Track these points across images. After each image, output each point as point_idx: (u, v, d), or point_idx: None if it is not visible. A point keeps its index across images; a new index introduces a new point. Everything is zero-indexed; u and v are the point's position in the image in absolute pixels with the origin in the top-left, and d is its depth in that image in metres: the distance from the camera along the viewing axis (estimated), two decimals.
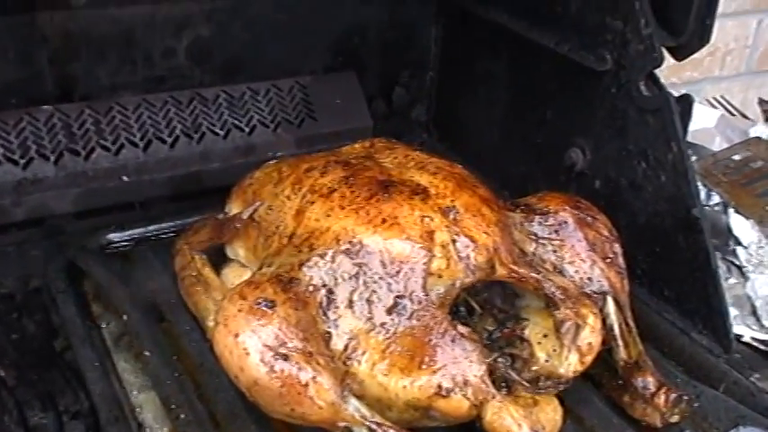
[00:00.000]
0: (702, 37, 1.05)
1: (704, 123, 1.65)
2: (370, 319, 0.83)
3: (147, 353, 0.95)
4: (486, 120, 1.44)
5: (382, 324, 0.83)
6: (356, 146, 1.06)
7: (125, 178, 1.22)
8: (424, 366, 0.80)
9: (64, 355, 1.07)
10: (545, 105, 1.28)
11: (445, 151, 1.53)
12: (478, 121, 1.47)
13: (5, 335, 1.08)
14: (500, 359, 0.88)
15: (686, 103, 1.07)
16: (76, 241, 1.16)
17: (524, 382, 0.86)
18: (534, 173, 1.33)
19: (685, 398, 0.90)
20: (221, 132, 1.30)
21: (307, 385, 0.77)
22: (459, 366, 0.80)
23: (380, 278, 0.84)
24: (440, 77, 1.55)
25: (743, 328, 1.11)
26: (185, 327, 0.99)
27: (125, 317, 1.01)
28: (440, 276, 0.85)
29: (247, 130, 1.32)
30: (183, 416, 0.86)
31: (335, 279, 0.85)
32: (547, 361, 0.89)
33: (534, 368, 0.89)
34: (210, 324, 0.94)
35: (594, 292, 0.96)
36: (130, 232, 1.18)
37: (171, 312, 1.02)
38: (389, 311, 0.83)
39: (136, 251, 1.15)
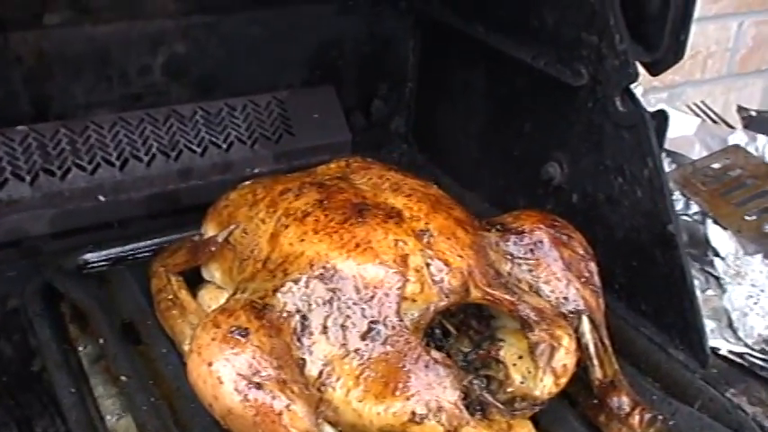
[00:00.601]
0: (677, 52, 1.05)
1: (684, 131, 1.66)
2: (344, 345, 0.83)
3: (123, 377, 0.95)
4: (465, 131, 1.44)
5: (356, 350, 0.83)
6: (332, 165, 1.06)
7: (102, 198, 1.22)
8: (397, 392, 0.80)
9: (41, 376, 1.07)
10: (523, 118, 1.28)
11: (425, 162, 1.54)
12: (457, 133, 1.47)
13: None
14: (475, 381, 0.88)
15: (662, 118, 1.07)
16: (53, 262, 1.15)
17: (499, 405, 0.86)
18: (513, 185, 1.33)
19: (660, 417, 0.90)
20: (198, 149, 1.30)
21: (281, 414, 0.78)
22: (432, 392, 0.81)
23: (354, 303, 0.84)
24: (418, 89, 1.55)
25: (720, 341, 1.12)
26: (162, 350, 0.99)
27: (101, 340, 1.01)
28: (414, 301, 0.86)
29: (225, 146, 1.32)
30: None
31: (309, 305, 0.85)
32: (522, 383, 0.89)
33: (509, 390, 0.89)
34: (186, 348, 0.94)
35: (570, 312, 0.96)
36: (107, 252, 1.17)
37: (148, 335, 1.01)
38: (364, 337, 0.83)
39: (113, 271, 1.15)
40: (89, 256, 1.16)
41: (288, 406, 0.78)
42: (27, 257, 1.17)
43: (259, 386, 0.78)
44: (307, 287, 0.85)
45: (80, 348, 1.04)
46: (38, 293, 1.09)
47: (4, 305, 1.14)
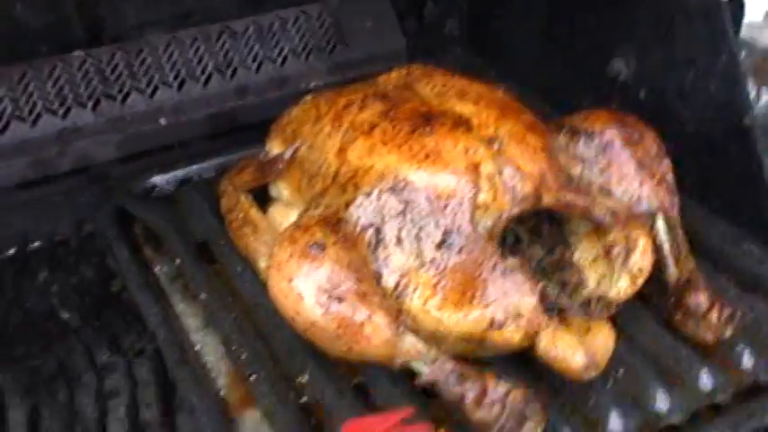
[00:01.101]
0: None
1: (752, 16, 1.58)
2: (419, 255, 0.83)
3: (203, 296, 0.97)
4: (523, 30, 1.40)
5: (432, 260, 0.83)
6: (392, 74, 1.04)
7: (162, 120, 1.22)
8: (475, 300, 0.81)
9: (121, 296, 1.11)
10: (585, 11, 1.23)
11: (482, 65, 1.50)
12: (515, 32, 1.43)
13: (65, 280, 1.12)
14: (550, 286, 0.88)
15: (737, 4, 1.02)
16: (122, 186, 1.17)
17: (575, 308, 0.87)
18: (575, 85, 1.30)
19: (738, 313, 0.89)
20: (253, 66, 1.29)
21: (362, 325, 0.79)
22: (510, 299, 0.81)
23: (427, 214, 0.84)
24: None
25: None
26: (237, 268, 1.00)
27: (178, 260, 1.03)
28: (487, 209, 0.85)
29: (279, 61, 1.31)
30: (243, 355, 0.89)
31: (382, 218, 0.85)
32: (597, 285, 0.89)
33: (585, 293, 0.89)
34: (262, 265, 0.95)
35: (644, 212, 0.95)
36: (173, 174, 1.19)
37: (221, 254, 1.03)
38: (438, 247, 0.83)
39: (180, 192, 1.16)
40: (156, 179, 1.18)
41: (369, 317, 0.79)
42: (96, 183, 1.20)
43: (340, 299, 0.79)
44: (379, 200, 0.85)
45: (157, 268, 1.06)
46: (111, 217, 1.11)
47: (80, 230, 1.17)
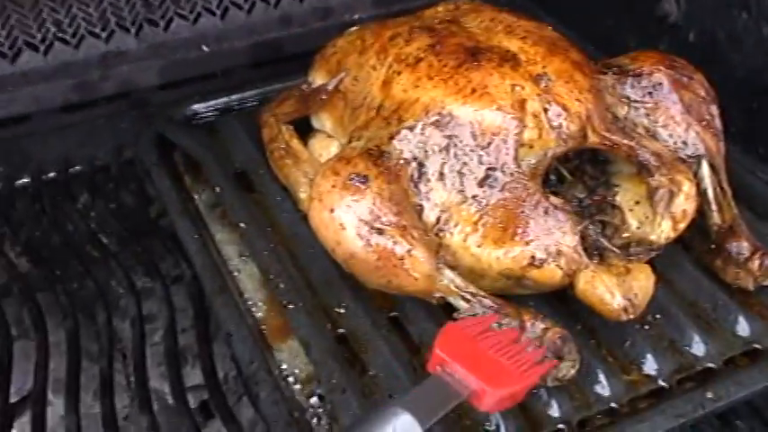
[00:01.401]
0: None
1: None
2: (461, 191, 0.83)
3: (242, 224, 0.98)
4: None
5: (474, 196, 0.83)
6: (439, 8, 1.02)
7: (205, 48, 1.22)
8: (517, 237, 0.81)
9: (159, 222, 1.12)
10: None
11: (525, 2, 1.47)
12: None
13: (105, 205, 1.14)
14: (591, 226, 0.88)
15: None
16: (163, 113, 1.17)
17: (616, 250, 0.86)
18: (623, 25, 1.27)
19: None
20: None
21: (402, 258, 0.79)
22: (551, 237, 0.81)
23: (471, 150, 0.84)
24: None
25: None
26: (276, 198, 1.01)
27: (217, 189, 1.04)
28: (531, 147, 0.84)
29: None
30: (281, 285, 0.89)
31: (426, 152, 0.85)
32: (638, 228, 0.88)
33: (625, 235, 0.89)
34: (302, 196, 0.96)
35: (689, 156, 0.93)
36: (214, 102, 1.18)
37: (261, 183, 1.04)
38: (481, 184, 0.83)
39: (221, 121, 1.16)
40: (197, 107, 1.18)
41: (409, 251, 0.79)
42: (137, 109, 1.20)
43: (381, 231, 0.79)
44: (422, 134, 0.85)
45: (196, 196, 1.07)
46: (151, 144, 1.11)
47: (120, 155, 1.18)
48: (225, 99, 1.19)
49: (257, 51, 1.25)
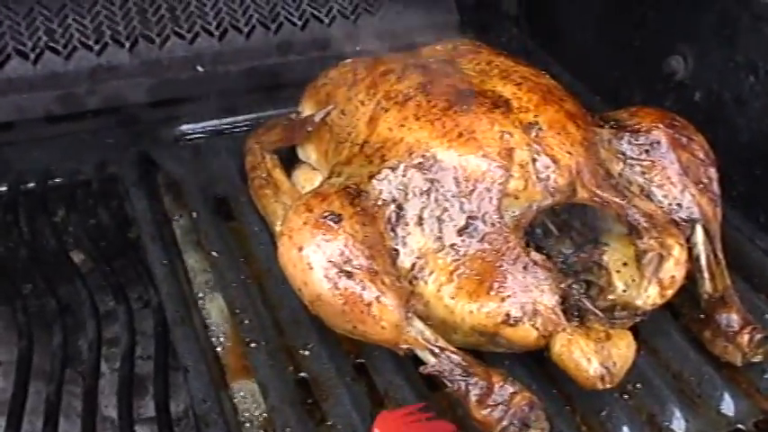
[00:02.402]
0: None
1: None
2: (439, 238, 0.80)
3: (214, 253, 0.94)
4: (581, 16, 1.34)
5: (452, 245, 0.79)
6: (438, 47, 0.99)
7: (200, 68, 1.19)
8: (492, 292, 0.77)
9: (135, 243, 1.09)
10: (646, 5, 1.18)
11: (536, 48, 1.45)
12: (573, 18, 1.37)
13: (81, 221, 1.10)
14: (575, 285, 0.84)
15: None
16: (150, 131, 1.15)
17: (598, 312, 0.82)
18: (629, 79, 1.24)
19: None
20: (299, 23, 1.25)
21: (370, 304, 0.75)
22: (529, 295, 0.77)
23: (453, 196, 0.80)
24: None
25: None
26: (254, 228, 0.98)
27: (194, 214, 1.00)
28: (516, 198, 0.80)
29: (326, 20, 1.27)
30: (246, 321, 0.86)
31: (406, 194, 0.81)
32: (624, 291, 0.84)
33: (610, 297, 0.84)
34: (278, 229, 0.92)
35: (683, 220, 0.89)
36: (204, 124, 1.16)
37: (240, 212, 1.01)
38: (460, 232, 0.79)
39: (209, 144, 1.14)
40: (186, 128, 1.16)
41: (378, 297, 0.75)
42: (125, 125, 1.18)
43: (350, 275, 0.75)
44: (404, 175, 0.81)
45: (174, 219, 1.04)
46: (134, 163, 1.09)
47: (103, 171, 1.15)
48: (215, 122, 1.17)
49: (253, 76, 1.23)
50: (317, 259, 0.76)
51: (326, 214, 0.77)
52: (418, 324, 0.77)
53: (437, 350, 0.76)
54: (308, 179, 0.97)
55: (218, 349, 0.85)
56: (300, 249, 0.77)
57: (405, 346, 0.77)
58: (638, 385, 0.82)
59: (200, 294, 0.92)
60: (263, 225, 0.98)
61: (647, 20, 1.18)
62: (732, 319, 0.85)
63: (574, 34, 1.37)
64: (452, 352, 0.76)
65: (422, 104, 0.85)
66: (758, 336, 0.84)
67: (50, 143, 1.14)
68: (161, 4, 1.18)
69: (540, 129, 0.83)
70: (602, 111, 1.04)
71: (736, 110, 1.05)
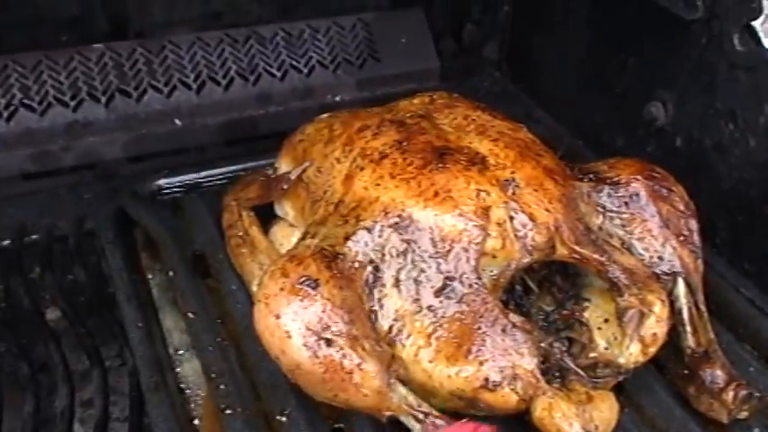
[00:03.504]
0: None
1: None
2: (416, 300, 0.78)
3: (191, 314, 0.93)
4: (563, 62, 1.34)
5: (429, 307, 0.78)
6: (415, 101, 0.99)
7: (178, 122, 1.18)
8: (471, 356, 0.75)
9: (113, 302, 1.07)
10: (627, 52, 1.18)
11: (518, 93, 1.46)
12: (554, 63, 1.37)
13: (57, 279, 1.08)
14: (556, 343, 0.82)
15: None
16: (128, 186, 1.13)
17: (580, 372, 0.80)
18: (611, 124, 1.24)
19: (757, 395, 0.83)
20: (278, 74, 1.25)
21: (351, 372, 0.74)
22: (508, 358, 0.75)
23: (430, 257, 0.79)
24: (515, 13, 1.45)
25: None
26: (232, 286, 0.96)
27: (171, 273, 0.99)
28: (494, 257, 0.79)
29: (306, 71, 1.26)
30: (222, 386, 0.84)
31: (382, 255, 0.80)
32: (606, 348, 0.83)
33: (592, 355, 0.83)
34: (255, 289, 0.91)
35: (665, 273, 0.88)
36: (181, 178, 1.15)
37: (218, 270, 0.99)
38: (438, 293, 0.78)
39: (187, 199, 1.12)
40: (163, 182, 1.14)
41: (359, 365, 0.74)
42: (102, 180, 1.16)
43: (329, 342, 0.74)
44: (380, 236, 0.80)
45: (150, 277, 1.03)
46: (111, 219, 1.07)
47: (81, 227, 1.13)
48: (193, 175, 1.16)
49: (231, 129, 1.22)
50: (294, 327, 0.74)
51: (303, 279, 0.76)
52: (401, 390, 0.75)
53: (421, 416, 0.74)
54: (286, 236, 0.96)
55: (194, 416, 0.83)
56: (277, 317, 0.75)
57: (387, 413, 0.75)
58: None
59: (178, 356, 0.90)
60: (240, 283, 0.96)
61: (628, 66, 1.18)
62: (716, 375, 0.84)
63: (555, 79, 1.37)
64: (436, 416, 0.74)
65: (397, 162, 0.84)
66: (743, 392, 0.82)
67: (26, 200, 1.12)
68: (138, 58, 1.17)
69: (517, 186, 0.82)
70: (584, 155, 1.04)
71: (717, 157, 1.04)
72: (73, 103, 1.13)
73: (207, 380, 0.85)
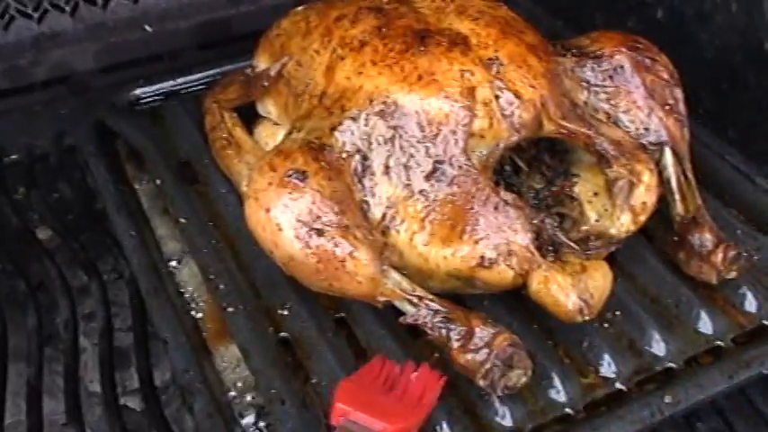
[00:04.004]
0: None
1: None
2: (408, 185, 0.78)
3: (182, 220, 0.93)
4: None
5: (421, 191, 0.78)
6: None
7: (148, 27, 1.15)
8: (465, 236, 0.76)
9: (103, 216, 1.06)
10: None
11: None
12: None
13: (43, 197, 1.07)
14: (548, 219, 0.83)
15: None
16: (104, 98, 1.11)
17: (573, 244, 0.82)
18: (590, 1, 1.21)
19: (744, 254, 0.85)
20: None
21: (344, 260, 0.74)
22: (502, 235, 0.76)
23: (418, 141, 0.79)
24: None
25: None
26: (221, 190, 0.96)
27: (158, 181, 0.98)
28: (482, 137, 0.79)
29: None
30: (221, 286, 0.85)
31: (370, 144, 0.79)
32: (597, 221, 0.84)
33: (584, 228, 0.84)
34: (244, 189, 0.90)
35: (651, 143, 0.89)
36: (158, 86, 1.13)
37: (205, 174, 0.98)
38: (428, 177, 0.78)
39: (166, 107, 1.11)
40: (140, 92, 1.12)
41: (351, 253, 0.74)
42: (77, 94, 1.14)
43: (320, 232, 0.74)
44: (366, 125, 0.80)
45: (138, 187, 1.02)
46: (91, 132, 1.06)
47: (60, 143, 1.12)
48: (170, 83, 1.14)
49: (204, 31, 1.18)
50: (285, 219, 0.75)
51: (291, 172, 0.76)
52: (394, 275, 0.76)
53: (415, 299, 0.75)
54: (271, 134, 0.95)
55: (197, 315, 0.84)
56: (268, 211, 0.75)
57: (382, 299, 0.76)
58: (617, 312, 0.83)
59: (174, 261, 0.90)
60: (229, 186, 0.96)
61: None
62: (705, 238, 0.85)
63: None
64: (430, 300, 0.75)
65: (378, 49, 0.83)
66: (731, 252, 0.84)
67: (2, 119, 1.10)
68: None
69: (501, 64, 0.81)
70: (564, 35, 1.03)
71: (700, 26, 1.03)
72: (36, 15, 1.09)
73: (205, 281, 0.86)
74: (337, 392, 0.70)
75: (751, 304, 0.85)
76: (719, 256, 0.84)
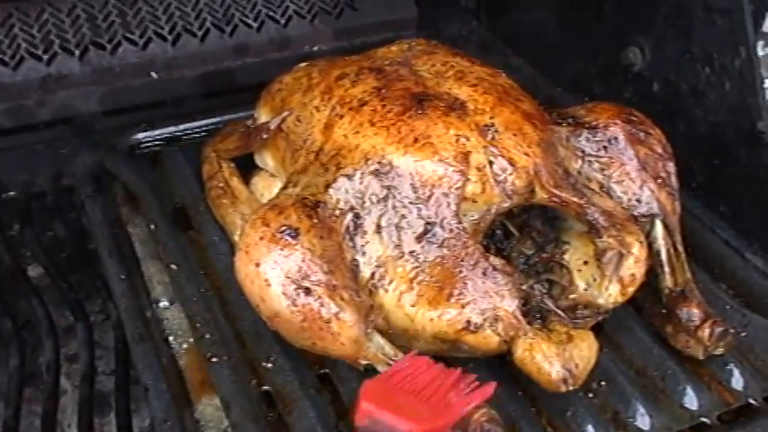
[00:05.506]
0: None
1: None
2: (398, 246, 0.79)
3: (173, 266, 0.93)
4: (540, 9, 1.34)
5: (411, 252, 0.78)
6: (393, 48, 0.98)
7: (154, 74, 1.17)
8: (453, 299, 0.76)
9: (95, 257, 1.06)
10: None
11: (495, 41, 1.45)
12: (532, 10, 1.37)
13: (37, 235, 1.08)
14: (536, 285, 0.84)
15: (760, 1, 0.96)
16: (106, 140, 1.12)
17: (560, 312, 0.82)
18: (589, 70, 1.24)
19: (731, 331, 0.85)
20: (255, 24, 1.23)
21: (329, 321, 0.74)
22: (489, 300, 0.76)
23: (411, 203, 0.79)
24: None
25: None
26: (213, 237, 0.96)
27: (152, 226, 0.99)
28: (474, 201, 0.80)
29: (282, 21, 1.25)
30: (207, 335, 0.84)
31: (363, 202, 0.80)
32: (586, 290, 0.84)
33: (572, 296, 0.84)
34: (237, 239, 0.91)
35: (643, 215, 0.90)
36: (160, 132, 1.14)
37: (199, 221, 0.99)
38: (419, 239, 0.79)
39: (166, 152, 1.12)
40: (142, 136, 1.13)
41: (337, 314, 0.74)
42: (79, 135, 1.15)
43: (308, 291, 0.74)
44: (361, 183, 0.80)
45: (132, 230, 1.02)
46: (90, 174, 1.07)
47: (59, 183, 1.13)
48: (172, 129, 1.15)
49: (208, 81, 1.20)
50: (274, 275, 0.75)
51: (283, 228, 0.76)
52: (378, 339, 0.76)
53: None
54: (267, 186, 0.96)
55: (180, 365, 0.84)
56: (258, 265, 0.76)
57: (364, 362, 0.76)
58: (603, 383, 0.83)
59: (162, 308, 0.90)
60: (221, 234, 0.96)
61: (605, 11, 1.18)
62: (693, 313, 0.85)
63: (533, 27, 1.37)
64: None
65: (377, 109, 0.84)
66: (719, 329, 0.84)
67: (2, 156, 1.11)
68: (111, 10, 1.15)
69: (496, 131, 0.82)
70: (562, 102, 1.04)
71: (694, 101, 1.05)
72: (46, 57, 1.11)
73: (192, 329, 0.86)
74: (362, 391, 0.70)
75: (737, 381, 0.84)
76: (707, 332, 0.84)
